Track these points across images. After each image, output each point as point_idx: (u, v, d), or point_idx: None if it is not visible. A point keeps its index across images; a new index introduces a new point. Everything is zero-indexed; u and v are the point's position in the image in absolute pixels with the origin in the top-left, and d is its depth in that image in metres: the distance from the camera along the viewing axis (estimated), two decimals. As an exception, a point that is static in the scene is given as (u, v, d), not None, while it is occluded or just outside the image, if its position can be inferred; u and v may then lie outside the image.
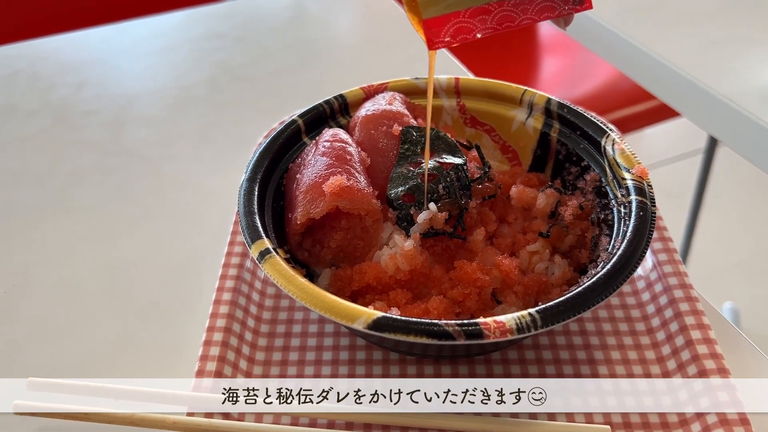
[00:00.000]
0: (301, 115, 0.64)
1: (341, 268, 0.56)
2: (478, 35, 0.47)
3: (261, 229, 0.53)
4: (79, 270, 0.70)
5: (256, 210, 0.55)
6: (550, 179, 0.65)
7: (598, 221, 0.58)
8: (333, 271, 0.56)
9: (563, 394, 0.54)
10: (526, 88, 0.66)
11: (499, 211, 0.60)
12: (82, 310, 0.66)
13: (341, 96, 0.66)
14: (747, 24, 1.01)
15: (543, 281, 0.55)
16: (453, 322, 0.45)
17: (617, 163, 0.58)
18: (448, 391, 0.55)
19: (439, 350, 0.55)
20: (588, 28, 1.08)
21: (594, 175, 0.60)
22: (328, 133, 0.60)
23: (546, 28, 1.78)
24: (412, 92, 0.68)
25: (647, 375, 0.55)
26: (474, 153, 0.62)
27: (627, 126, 1.47)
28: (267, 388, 0.55)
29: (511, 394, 0.54)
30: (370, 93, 0.67)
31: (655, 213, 0.54)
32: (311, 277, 0.58)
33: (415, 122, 0.63)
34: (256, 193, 0.56)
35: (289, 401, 0.53)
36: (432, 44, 0.47)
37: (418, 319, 0.46)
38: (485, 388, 0.55)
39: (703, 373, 0.53)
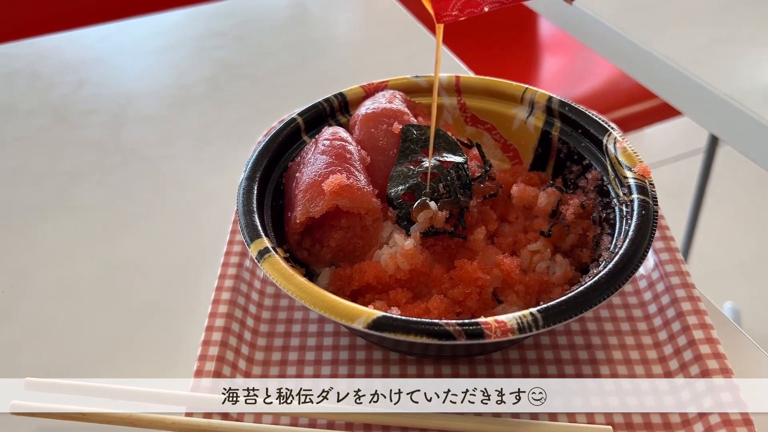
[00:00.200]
0: (300, 114, 0.64)
1: (341, 268, 0.56)
2: (486, 9, 0.46)
3: (260, 228, 0.53)
4: (78, 269, 0.70)
5: (255, 209, 0.54)
6: (551, 178, 0.64)
7: (599, 220, 0.58)
8: (333, 271, 0.56)
9: (565, 394, 0.54)
10: (527, 86, 0.66)
11: (500, 210, 0.60)
12: (80, 310, 0.66)
13: (341, 94, 0.66)
14: (749, 22, 1.01)
15: (544, 281, 0.55)
16: (453, 321, 0.45)
17: (619, 161, 0.57)
18: (449, 391, 0.54)
19: (440, 350, 0.54)
20: (589, 27, 1.08)
21: (595, 173, 0.60)
22: (327, 132, 0.60)
23: (547, 27, 1.77)
24: (412, 90, 0.68)
25: (649, 375, 0.55)
26: (475, 152, 0.62)
27: (628, 125, 1.46)
28: (266, 388, 0.54)
29: (511, 394, 0.54)
30: (370, 91, 0.67)
31: (657, 212, 0.53)
32: (311, 276, 0.57)
33: (415, 120, 0.62)
34: (255, 192, 0.56)
35: (288, 401, 0.52)
36: (440, 17, 0.46)
37: (419, 319, 0.45)
38: (486, 388, 0.54)
39: (705, 373, 0.53)
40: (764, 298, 1.75)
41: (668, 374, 0.55)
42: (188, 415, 0.51)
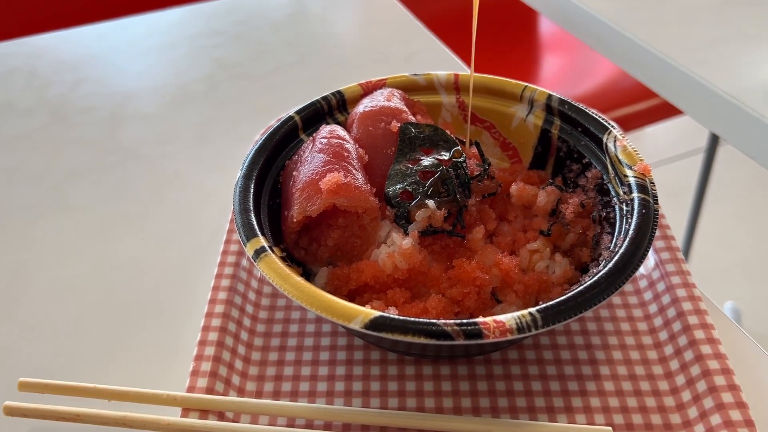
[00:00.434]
0: (298, 112, 0.63)
1: (338, 267, 0.55)
2: None
3: (256, 227, 0.52)
4: (74, 269, 0.69)
5: (251, 208, 0.54)
6: (550, 176, 0.64)
7: (599, 219, 0.57)
8: (330, 270, 0.55)
9: (564, 394, 0.53)
10: (526, 84, 0.65)
11: (498, 209, 0.60)
12: (76, 310, 0.65)
13: (339, 92, 0.66)
14: (750, 21, 1.00)
15: (543, 280, 0.54)
16: (452, 321, 0.45)
17: (619, 160, 0.57)
18: (447, 391, 0.54)
19: (438, 350, 0.54)
20: (589, 25, 1.07)
21: (595, 172, 0.59)
22: (325, 130, 0.59)
23: (547, 26, 1.77)
24: (410, 88, 0.67)
25: (650, 375, 0.55)
26: (474, 150, 0.62)
27: (628, 124, 1.46)
28: (263, 388, 0.54)
29: (511, 394, 0.54)
30: (368, 89, 0.66)
31: (657, 211, 0.53)
32: (308, 275, 0.57)
33: (413, 119, 0.62)
34: (251, 191, 0.55)
35: (285, 401, 0.52)
36: None
37: (416, 319, 0.45)
38: (484, 389, 0.54)
39: (706, 374, 0.52)
40: (765, 297, 1.74)
41: (669, 375, 0.54)
42: (184, 415, 0.51)
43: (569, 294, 0.47)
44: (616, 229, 0.54)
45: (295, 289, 0.47)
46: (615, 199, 0.56)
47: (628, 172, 0.56)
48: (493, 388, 0.54)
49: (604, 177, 0.58)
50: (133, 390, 0.51)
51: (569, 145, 0.62)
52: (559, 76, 1.67)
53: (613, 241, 0.53)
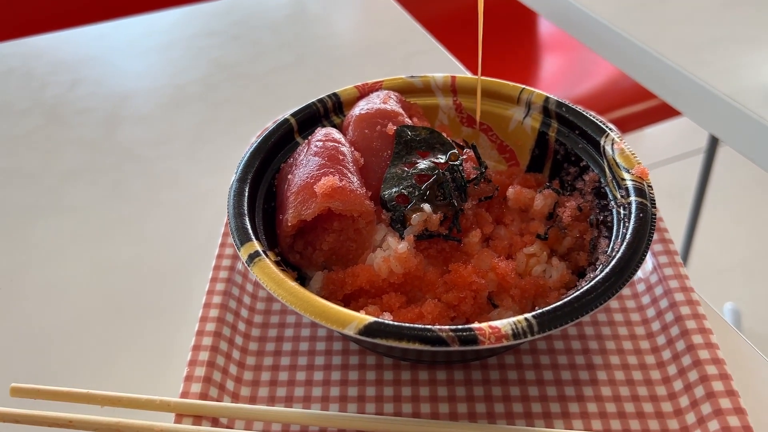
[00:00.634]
0: (293, 114, 0.63)
1: (334, 271, 0.55)
2: None
3: (251, 231, 0.52)
4: (69, 271, 0.69)
5: (246, 211, 0.53)
6: (548, 180, 0.63)
7: (597, 223, 0.57)
8: (325, 274, 0.55)
9: (561, 399, 0.53)
10: (523, 86, 0.65)
11: (495, 213, 0.59)
12: (69, 313, 0.65)
13: (335, 95, 0.65)
14: (749, 22, 1.00)
15: (540, 284, 0.54)
16: (447, 327, 0.44)
17: (617, 163, 0.57)
18: (443, 396, 0.54)
19: (434, 356, 0.53)
20: (587, 26, 1.07)
21: (593, 175, 0.59)
22: (320, 133, 0.59)
23: (546, 27, 1.76)
24: (407, 91, 0.67)
25: (647, 380, 0.54)
26: (470, 153, 0.61)
27: (627, 125, 1.45)
28: (258, 393, 0.54)
29: (507, 399, 0.53)
30: (364, 91, 0.66)
31: (655, 215, 0.52)
32: (303, 280, 0.56)
33: (410, 121, 0.61)
34: (246, 194, 0.55)
35: (280, 407, 0.52)
36: None
37: (411, 325, 0.44)
38: (481, 394, 0.54)
39: (704, 379, 0.52)
40: (764, 298, 1.74)
41: (666, 380, 0.54)
42: (177, 421, 0.50)
43: (565, 299, 0.46)
44: (614, 233, 0.54)
45: (289, 294, 0.47)
46: (612, 202, 0.56)
47: (626, 176, 0.55)
48: (490, 393, 0.54)
49: (602, 180, 0.58)
50: (126, 396, 0.51)
51: (567, 148, 0.62)
52: (558, 77, 1.67)
53: (611, 246, 0.53)
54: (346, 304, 0.54)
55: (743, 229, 1.94)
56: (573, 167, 0.61)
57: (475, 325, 0.45)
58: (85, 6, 1.38)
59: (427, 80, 0.67)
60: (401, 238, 0.54)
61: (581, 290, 0.47)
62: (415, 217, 0.54)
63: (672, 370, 0.54)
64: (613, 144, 0.58)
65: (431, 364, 0.56)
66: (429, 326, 0.44)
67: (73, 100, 0.95)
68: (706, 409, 0.50)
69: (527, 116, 0.65)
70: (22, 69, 1.02)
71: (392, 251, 0.53)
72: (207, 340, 0.55)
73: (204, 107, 0.94)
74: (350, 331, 0.44)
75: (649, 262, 0.62)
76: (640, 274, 0.62)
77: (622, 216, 0.54)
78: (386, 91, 0.65)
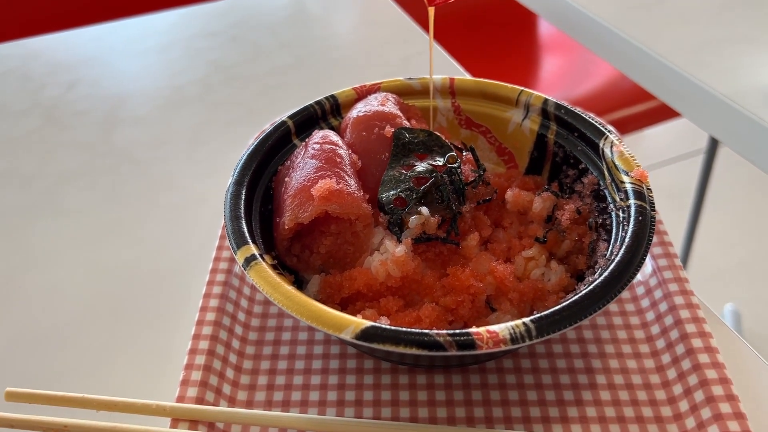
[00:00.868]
0: (291, 116, 0.63)
1: (331, 275, 0.54)
2: None
3: (247, 234, 0.51)
4: (66, 274, 0.69)
5: (242, 214, 0.53)
6: (546, 182, 0.63)
7: (595, 226, 0.57)
8: (322, 278, 0.55)
9: (560, 404, 0.53)
10: (522, 88, 0.65)
11: (493, 216, 0.59)
12: (65, 316, 0.64)
13: (333, 97, 0.65)
14: (748, 23, 1.00)
15: (539, 288, 0.54)
16: (444, 332, 0.44)
17: (616, 165, 0.56)
18: (441, 400, 0.53)
19: (432, 360, 0.53)
20: (587, 27, 1.07)
21: (592, 178, 0.59)
22: (318, 135, 0.59)
23: (545, 28, 1.76)
24: (405, 93, 0.66)
25: (647, 384, 0.54)
26: (469, 155, 0.61)
27: (627, 126, 1.45)
28: (254, 398, 0.53)
29: (506, 403, 0.53)
30: (362, 93, 0.65)
31: (654, 218, 0.52)
32: (300, 283, 0.56)
33: (408, 124, 0.61)
34: (243, 197, 0.55)
35: (277, 412, 0.51)
36: (431, 1, 0.46)
37: (408, 329, 0.44)
38: (479, 398, 0.53)
39: (704, 383, 0.51)
40: (765, 300, 1.74)
41: (666, 384, 0.54)
42: (173, 426, 0.50)
43: (564, 303, 0.46)
44: (613, 236, 0.53)
45: (285, 298, 0.47)
46: (611, 205, 0.56)
47: (625, 179, 0.55)
48: (488, 397, 0.53)
49: (601, 183, 0.58)
50: (121, 400, 0.51)
51: (565, 150, 0.61)
52: (557, 79, 1.66)
53: (610, 249, 0.53)
54: (343, 307, 0.54)
55: (743, 230, 1.93)
56: (572, 170, 0.61)
57: (473, 329, 0.44)
58: (83, 7, 1.38)
59: (425, 82, 0.67)
60: (399, 241, 0.54)
61: (580, 294, 0.47)
62: (413, 220, 0.54)
63: (672, 374, 0.54)
64: (612, 146, 0.57)
65: (429, 368, 0.55)
66: (426, 331, 0.44)
67: (70, 102, 0.95)
68: (705, 413, 0.50)
69: (526, 118, 0.64)
70: (20, 70, 1.02)
71: (390, 254, 0.53)
72: (203, 344, 0.55)
73: (202, 109, 0.93)
74: (347, 336, 0.44)
75: (648, 265, 0.61)
76: (639, 277, 0.61)
77: (621, 219, 0.53)
78: (384, 93, 0.64)
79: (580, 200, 0.59)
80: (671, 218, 0.67)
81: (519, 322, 0.45)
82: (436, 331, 0.44)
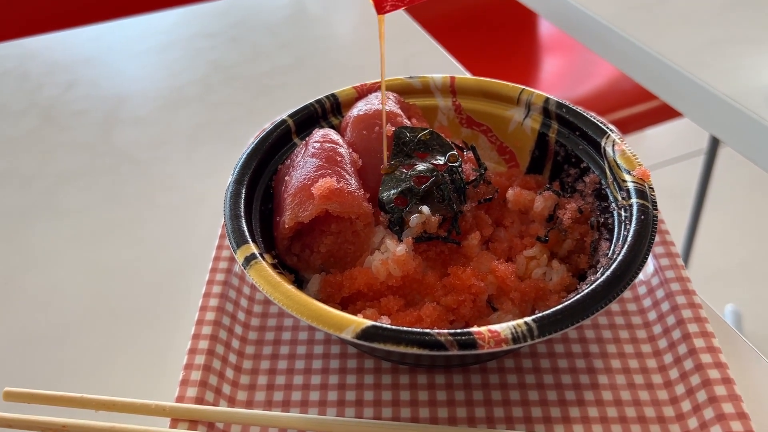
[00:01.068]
0: (291, 115, 0.62)
1: (331, 274, 0.54)
2: None
3: (247, 233, 0.51)
4: (65, 274, 0.68)
5: (242, 213, 0.53)
6: (548, 181, 0.63)
7: (597, 225, 0.56)
8: (323, 277, 0.54)
9: (561, 404, 0.52)
10: (523, 87, 0.64)
11: (495, 215, 0.58)
12: (64, 317, 0.64)
13: (333, 95, 0.65)
14: (750, 23, 0.99)
15: (540, 287, 0.53)
16: (445, 331, 0.43)
17: (618, 164, 0.56)
18: (442, 400, 0.53)
19: (433, 360, 0.53)
20: (588, 27, 1.06)
21: (593, 177, 0.58)
22: (318, 134, 0.58)
23: (546, 28, 1.76)
24: (405, 92, 0.66)
25: (649, 385, 0.54)
26: (470, 154, 0.60)
27: (628, 126, 1.45)
28: (254, 398, 0.53)
29: (507, 403, 0.53)
30: (362, 92, 0.65)
31: (657, 217, 0.52)
32: (300, 282, 0.56)
33: (408, 122, 0.61)
34: (243, 196, 0.54)
35: (277, 412, 0.51)
36: (381, 9, 0.46)
37: (409, 329, 0.44)
38: (480, 398, 0.53)
39: (706, 383, 0.51)
40: (765, 299, 1.73)
41: (668, 384, 0.53)
42: (173, 426, 0.50)
43: (566, 303, 0.46)
44: (615, 236, 0.53)
45: (285, 297, 0.46)
46: (613, 204, 0.55)
47: (627, 177, 0.55)
48: (489, 397, 0.53)
49: (603, 182, 0.57)
50: (120, 400, 0.50)
51: (567, 149, 0.61)
52: (559, 78, 1.66)
53: (612, 248, 0.52)
54: (343, 307, 0.53)
55: (744, 230, 1.93)
56: (573, 169, 0.61)
57: (474, 329, 0.44)
58: (82, 7, 1.38)
59: (426, 81, 0.66)
60: (400, 240, 0.53)
61: (582, 293, 0.46)
62: (414, 219, 0.53)
63: (674, 374, 0.53)
64: (614, 145, 0.57)
65: (430, 368, 0.55)
66: (427, 330, 0.44)
67: (69, 102, 0.95)
68: (708, 413, 0.50)
69: (527, 117, 0.64)
70: (18, 70, 1.02)
71: (390, 254, 0.52)
72: (203, 344, 0.54)
73: (201, 109, 0.93)
74: (348, 335, 0.44)
75: (650, 265, 0.61)
76: (641, 276, 0.61)
77: (623, 218, 0.53)
78: (385, 92, 0.64)
79: (582, 199, 0.59)
80: (672, 218, 0.66)
81: (521, 321, 0.44)
82: (437, 331, 0.43)
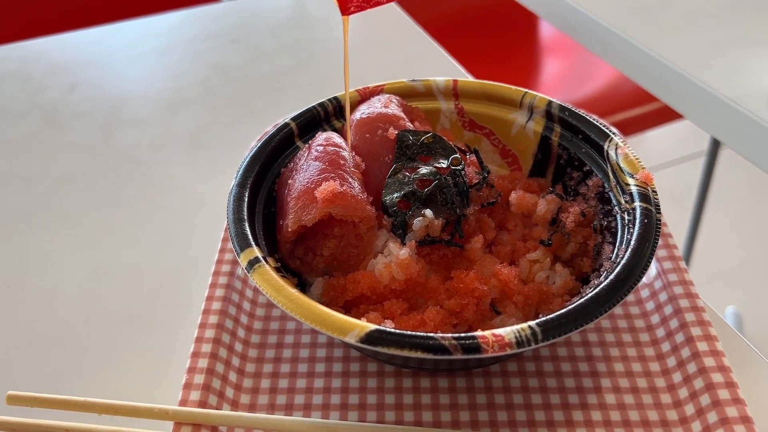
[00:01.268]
0: (294, 118, 0.62)
1: (334, 277, 0.54)
2: None
3: (251, 237, 0.51)
4: (67, 277, 0.68)
5: (246, 217, 0.53)
6: (551, 184, 0.63)
7: (600, 228, 0.56)
8: (326, 280, 0.54)
9: (565, 407, 0.52)
10: (526, 90, 0.64)
11: (498, 218, 0.58)
12: (67, 320, 0.64)
13: (335, 98, 0.65)
14: (750, 25, 0.99)
15: (544, 291, 0.53)
16: (449, 335, 0.43)
17: (620, 168, 0.56)
18: (445, 404, 0.53)
19: (436, 363, 0.53)
20: (589, 29, 1.06)
21: (596, 180, 0.58)
22: (321, 137, 0.58)
23: (547, 30, 1.76)
24: (408, 95, 0.66)
25: (652, 388, 0.54)
26: (473, 157, 0.60)
27: (629, 128, 1.45)
28: (258, 401, 0.53)
29: (510, 407, 0.53)
30: (365, 95, 0.65)
31: (660, 220, 0.52)
32: (303, 286, 0.56)
33: (411, 125, 0.61)
34: (246, 200, 0.54)
35: (280, 415, 0.51)
36: (345, 9, 0.46)
37: (413, 333, 0.44)
38: (483, 402, 0.53)
39: (710, 387, 0.51)
40: (766, 300, 1.73)
41: (671, 387, 0.53)
42: (176, 430, 0.50)
43: (570, 307, 0.46)
44: (618, 239, 0.53)
45: (289, 301, 0.46)
46: (616, 208, 0.55)
47: (630, 181, 0.55)
48: (492, 401, 0.53)
49: (606, 185, 0.57)
50: (124, 404, 0.50)
51: (570, 152, 0.61)
52: (559, 80, 1.66)
53: (615, 252, 0.52)
54: (346, 310, 0.53)
55: (745, 231, 1.93)
56: (576, 172, 0.61)
57: (478, 333, 0.44)
58: (83, 9, 1.38)
59: (428, 84, 0.66)
60: (403, 243, 0.53)
61: (586, 297, 0.46)
62: (417, 223, 0.53)
63: (677, 377, 0.53)
64: (617, 148, 0.57)
65: (433, 372, 0.55)
66: (431, 334, 0.44)
67: (70, 104, 0.95)
68: (711, 417, 0.50)
69: (530, 120, 0.64)
70: (20, 72, 1.02)
71: (394, 257, 0.52)
72: (206, 347, 0.54)
73: (203, 111, 0.93)
74: (351, 339, 0.44)
75: (653, 268, 0.61)
76: (644, 279, 0.61)
77: (626, 221, 0.53)
78: (387, 95, 0.64)
79: (585, 203, 0.59)
80: (673, 220, 0.66)
81: (525, 325, 0.44)
82: (441, 335, 0.43)
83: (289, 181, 0.56)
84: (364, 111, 0.61)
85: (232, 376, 0.54)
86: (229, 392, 0.53)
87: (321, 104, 0.64)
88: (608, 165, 0.57)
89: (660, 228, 0.51)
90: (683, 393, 0.52)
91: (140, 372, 0.59)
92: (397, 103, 0.63)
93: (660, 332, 0.57)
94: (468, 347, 0.43)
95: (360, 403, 0.53)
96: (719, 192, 1.67)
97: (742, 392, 0.51)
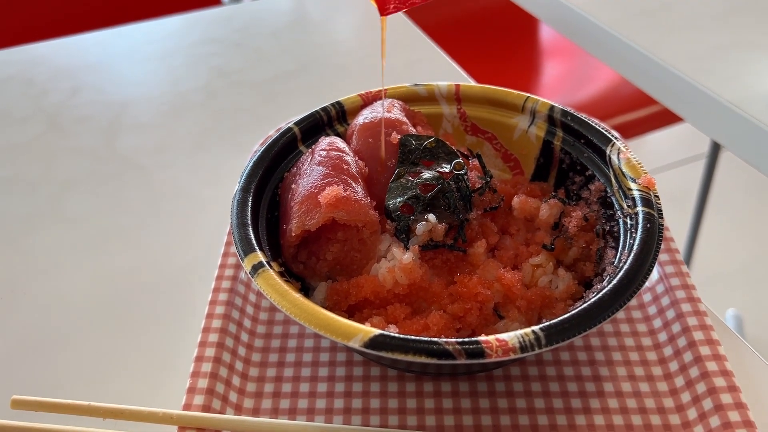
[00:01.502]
0: (297, 123, 0.62)
1: (338, 282, 0.54)
2: None
3: (254, 241, 0.51)
4: (70, 281, 0.69)
5: (249, 222, 0.53)
6: (553, 189, 0.63)
7: (603, 233, 0.57)
8: (329, 285, 0.54)
9: (567, 412, 0.52)
10: (528, 95, 0.65)
11: (500, 223, 0.59)
12: (70, 324, 0.64)
13: (338, 103, 0.65)
14: (751, 29, 1.00)
15: (547, 295, 0.54)
16: (453, 340, 0.44)
17: (623, 172, 0.56)
18: (449, 408, 0.53)
19: (439, 368, 0.53)
20: (590, 32, 1.07)
21: (599, 184, 0.59)
22: (324, 142, 0.59)
23: (548, 33, 1.76)
24: (411, 99, 0.66)
25: (654, 392, 0.54)
26: (475, 162, 0.61)
27: (629, 131, 1.45)
28: (261, 405, 0.53)
29: (513, 411, 0.53)
30: (368, 100, 0.65)
31: (662, 225, 0.52)
32: (307, 290, 0.56)
33: (414, 130, 0.61)
34: (249, 204, 0.55)
35: (283, 419, 0.51)
36: (384, 10, 0.46)
37: (417, 337, 0.44)
38: (486, 406, 0.53)
39: (712, 391, 0.51)
40: (767, 303, 1.74)
41: (674, 391, 0.53)
42: (180, 434, 0.50)
43: (573, 312, 0.46)
44: (621, 244, 0.53)
45: (292, 305, 0.47)
46: (619, 212, 0.55)
47: (632, 185, 0.55)
48: (495, 405, 0.53)
49: (608, 190, 0.58)
50: (128, 408, 0.50)
51: (572, 156, 0.61)
52: (560, 83, 1.67)
53: (618, 256, 0.53)
54: (350, 315, 0.53)
55: (745, 234, 1.93)
56: (578, 176, 0.61)
57: (482, 338, 0.44)
58: (86, 13, 1.38)
59: (431, 88, 0.67)
60: (406, 248, 0.54)
61: (589, 302, 0.46)
62: (420, 227, 0.53)
63: (680, 381, 0.54)
64: (619, 153, 0.57)
65: (436, 376, 0.55)
66: (435, 339, 0.44)
67: (73, 108, 0.95)
68: (714, 422, 0.50)
69: (532, 125, 0.64)
70: (22, 76, 1.02)
71: (397, 262, 0.52)
72: (210, 352, 0.54)
73: (205, 115, 0.93)
74: (355, 344, 0.44)
75: (655, 272, 0.61)
76: (646, 283, 0.61)
77: (629, 226, 0.53)
78: (390, 100, 0.64)
79: (587, 207, 0.59)
80: (673, 223, 0.67)
81: (528, 330, 0.45)
82: (445, 340, 0.44)
83: (293, 186, 0.57)
84: (366, 116, 0.61)
85: (236, 381, 0.54)
86: (233, 396, 0.53)
87: (324, 108, 0.64)
88: (610, 169, 0.58)
89: (663, 233, 0.51)
90: (686, 397, 0.53)
91: (144, 376, 0.59)
92: (399, 108, 0.63)
93: (662, 336, 0.57)
94: (472, 352, 0.43)
95: (363, 407, 0.53)
96: (719, 195, 1.67)
97: (745, 397, 0.51)
